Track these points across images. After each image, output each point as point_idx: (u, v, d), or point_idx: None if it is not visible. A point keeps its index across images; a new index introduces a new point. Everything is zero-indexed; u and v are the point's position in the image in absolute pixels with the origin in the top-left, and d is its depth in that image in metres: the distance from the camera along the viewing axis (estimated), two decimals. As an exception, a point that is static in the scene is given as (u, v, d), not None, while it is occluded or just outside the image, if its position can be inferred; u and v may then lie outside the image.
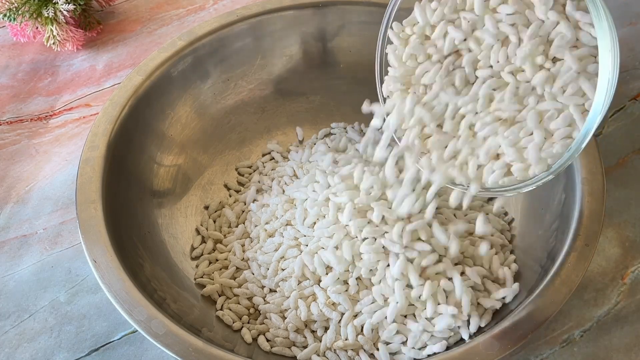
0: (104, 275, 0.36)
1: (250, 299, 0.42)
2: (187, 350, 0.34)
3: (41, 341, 0.41)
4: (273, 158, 0.51)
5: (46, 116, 0.55)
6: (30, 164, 0.51)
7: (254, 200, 0.47)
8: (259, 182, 0.48)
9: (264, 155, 0.51)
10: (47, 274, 0.45)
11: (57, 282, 0.44)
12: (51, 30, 0.57)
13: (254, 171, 0.50)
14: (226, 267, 0.43)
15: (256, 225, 0.45)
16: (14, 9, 0.57)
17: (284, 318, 0.40)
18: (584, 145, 0.32)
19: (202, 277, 0.43)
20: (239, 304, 0.41)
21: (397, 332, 0.38)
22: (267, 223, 0.44)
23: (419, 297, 0.38)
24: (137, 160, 0.45)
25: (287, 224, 0.43)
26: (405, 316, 0.38)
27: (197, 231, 0.46)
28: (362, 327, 0.38)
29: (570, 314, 0.41)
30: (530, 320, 0.35)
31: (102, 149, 0.42)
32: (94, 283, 0.44)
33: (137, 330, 0.35)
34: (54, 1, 0.57)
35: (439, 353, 0.36)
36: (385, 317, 0.38)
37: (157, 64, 0.47)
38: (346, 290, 0.39)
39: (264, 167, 0.50)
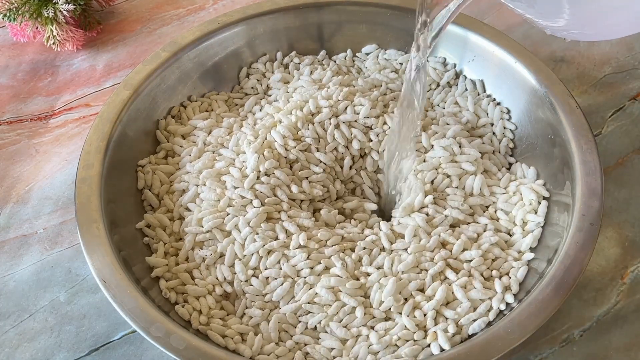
0: (115, 295, 0.36)
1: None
2: None
3: (41, 341, 0.41)
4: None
5: (46, 116, 0.55)
6: (30, 164, 0.51)
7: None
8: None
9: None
10: (47, 274, 0.45)
11: (57, 282, 0.44)
12: (51, 30, 0.57)
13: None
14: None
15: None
16: (14, 9, 0.57)
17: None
18: None
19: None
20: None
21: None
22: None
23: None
24: (133, 174, 0.45)
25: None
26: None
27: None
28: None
29: (570, 314, 0.41)
30: (531, 318, 0.35)
31: (97, 167, 0.42)
32: (93, 283, 0.44)
33: (136, 330, 0.35)
34: (54, 1, 0.56)
35: (444, 351, 0.36)
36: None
37: (143, 77, 0.47)
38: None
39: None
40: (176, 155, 0.47)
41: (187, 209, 0.44)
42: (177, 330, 0.35)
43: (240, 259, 0.40)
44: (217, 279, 0.40)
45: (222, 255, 0.41)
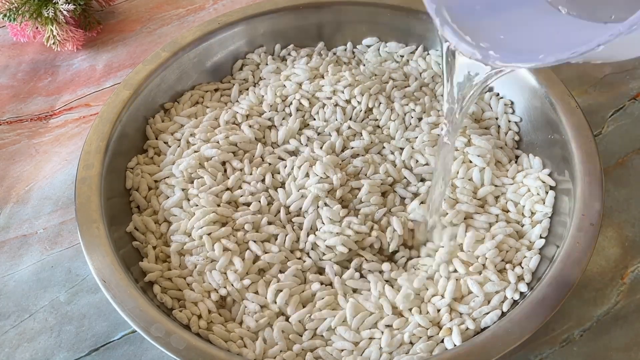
0: (115, 295, 0.36)
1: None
2: None
3: (41, 341, 0.41)
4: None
5: (46, 116, 0.55)
6: (30, 164, 0.51)
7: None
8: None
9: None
10: (47, 274, 0.45)
11: (57, 282, 0.44)
12: (51, 30, 0.57)
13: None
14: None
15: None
16: (14, 9, 0.57)
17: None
18: None
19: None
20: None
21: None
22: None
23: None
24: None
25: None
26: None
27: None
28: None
29: (570, 314, 0.41)
30: (531, 318, 0.35)
31: (97, 167, 0.42)
32: (93, 283, 0.44)
33: (136, 330, 0.35)
34: (54, 1, 0.56)
35: (443, 351, 0.36)
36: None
37: (143, 77, 0.47)
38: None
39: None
40: (162, 154, 0.47)
41: (173, 214, 0.43)
42: (177, 330, 0.35)
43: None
44: (210, 284, 0.40)
45: (213, 261, 0.40)
